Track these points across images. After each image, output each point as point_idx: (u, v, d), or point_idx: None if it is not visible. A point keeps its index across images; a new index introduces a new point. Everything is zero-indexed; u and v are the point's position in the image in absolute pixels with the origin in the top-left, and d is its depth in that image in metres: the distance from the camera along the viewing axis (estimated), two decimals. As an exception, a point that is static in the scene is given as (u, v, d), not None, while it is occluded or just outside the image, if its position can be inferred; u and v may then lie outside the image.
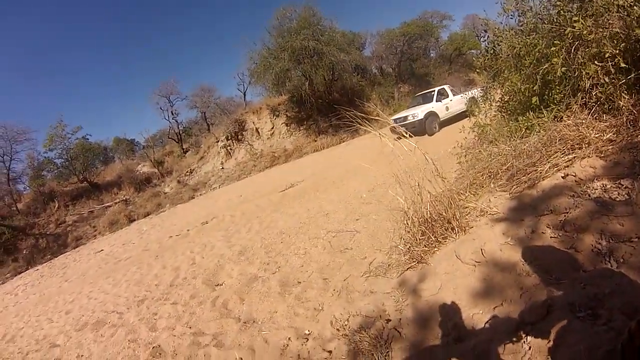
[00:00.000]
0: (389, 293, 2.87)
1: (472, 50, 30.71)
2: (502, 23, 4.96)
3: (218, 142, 27.03)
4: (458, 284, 2.41)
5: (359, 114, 3.50)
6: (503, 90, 5.06)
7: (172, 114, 32.04)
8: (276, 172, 20.00)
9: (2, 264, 19.89)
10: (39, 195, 25.57)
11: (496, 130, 4.72)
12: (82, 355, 4.93)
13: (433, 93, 15.44)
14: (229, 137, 26.56)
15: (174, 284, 6.19)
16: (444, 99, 15.15)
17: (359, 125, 3.51)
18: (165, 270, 7.35)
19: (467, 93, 13.62)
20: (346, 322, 2.84)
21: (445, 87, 15.82)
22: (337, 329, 2.81)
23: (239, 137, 26.57)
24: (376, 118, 3.60)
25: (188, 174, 26.75)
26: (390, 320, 2.53)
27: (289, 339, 3.05)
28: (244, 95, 33.23)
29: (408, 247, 3.20)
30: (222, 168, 25.60)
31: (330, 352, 2.61)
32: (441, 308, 2.31)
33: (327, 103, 25.87)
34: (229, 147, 26.47)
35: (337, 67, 25.24)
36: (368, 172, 8.52)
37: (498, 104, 5.35)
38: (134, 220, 21.56)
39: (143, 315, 5.23)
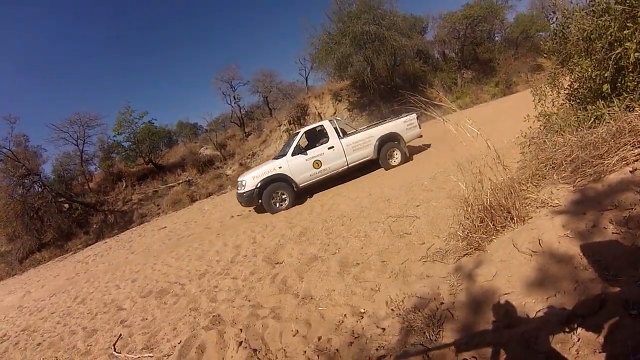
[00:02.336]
0: (444, 277, 3.06)
1: (541, 33, 29.01)
2: (571, 2, 4.77)
3: (280, 126, 27.81)
4: (513, 272, 2.55)
5: (422, 98, 3.65)
6: (572, 77, 4.87)
7: (234, 98, 33.15)
8: None
9: (74, 236, 22.46)
10: (108, 176, 28.80)
11: (562, 119, 4.63)
12: (146, 319, 5.51)
13: (295, 137, 10.64)
14: (292, 122, 27.29)
15: (235, 260, 6.67)
16: (314, 145, 10.65)
17: (421, 111, 3.66)
18: (226, 247, 7.89)
19: (383, 125, 11.09)
20: (401, 303, 3.06)
21: (325, 123, 10.64)
22: (392, 309, 3.04)
23: (302, 121, 27.28)
24: (439, 103, 3.72)
25: (250, 157, 27.76)
26: (443, 302, 2.74)
27: (345, 315, 3.30)
28: (306, 80, 33.80)
29: (466, 233, 3.36)
30: None
31: (383, 329, 2.83)
32: (494, 294, 2.48)
33: (389, 88, 25.90)
34: (291, 131, 27.21)
35: (399, 52, 25.26)
36: (430, 159, 8.56)
37: (566, 91, 5.19)
38: (196, 200, 22.94)
39: (204, 288, 5.74)
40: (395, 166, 10.62)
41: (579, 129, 3.87)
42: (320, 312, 3.56)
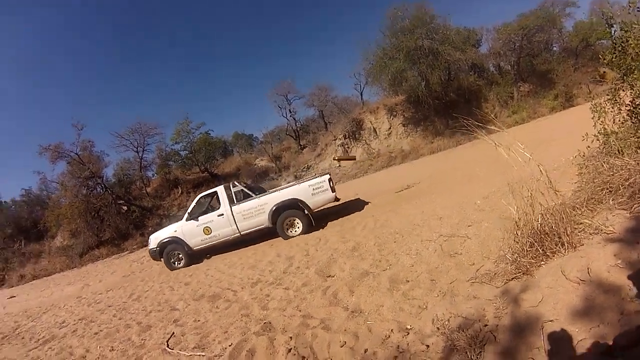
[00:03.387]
0: (490, 300, 3.16)
1: (602, 41, 26.93)
2: (629, 13, 4.66)
3: (335, 140, 28.64)
4: (559, 299, 2.63)
5: (475, 122, 3.77)
6: (633, 93, 4.70)
7: (290, 111, 34.45)
8: (393, 172, 20.61)
9: (131, 236, 24.20)
10: (165, 182, 31.35)
11: (622, 140, 4.52)
12: (198, 320, 5.89)
13: (192, 203, 11.36)
14: (347, 136, 28.12)
15: (287, 271, 6.97)
16: (206, 212, 11.04)
17: (473, 132, 3.79)
18: (279, 258, 8.22)
19: (283, 190, 10.79)
20: (447, 322, 3.17)
21: (219, 189, 10.99)
22: (437, 327, 3.16)
23: (357, 135, 27.99)
24: (491, 127, 3.82)
25: (305, 169, 28.58)
26: (487, 324, 2.85)
27: (392, 330, 3.45)
28: (361, 94, 34.54)
29: (515, 257, 3.45)
30: (339, 166, 27.07)
31: (427, 346, 2.98)
32: (538, 320, 2.57)
33: (444, 104, 25.96)
34: (346, 146, 27.90)
35: (453, 67, 25.49)
36: (483, 179, 8.52)
37: (628, 107, 4.94)
38: None
39: (256, 295, 6.05)
40: (295, 237, 10.21)
41: (639, 151, 3.82)
42: (368, 325, 3.73)
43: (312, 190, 10.32)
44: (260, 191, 11.64)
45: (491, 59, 31.03)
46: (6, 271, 28.28)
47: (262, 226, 10.56)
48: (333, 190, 10.38)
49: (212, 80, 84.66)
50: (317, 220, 10.49)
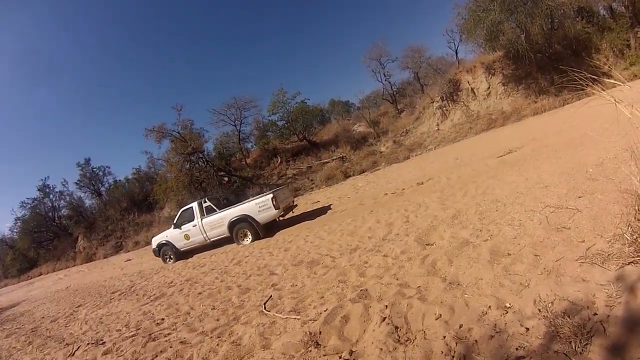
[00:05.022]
0: (602, 285, 2.87)
1: None
2: None
3: (433, 102, 27.66)
4: (686, 291, 2.32)
5: (586, 74, 3.28)
6: None
7: (385, 75, 34.26)
8: (493, 135, 19.46)
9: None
10: (264, 152, 33.33)
11: None
12: (295, 285, 6.16)
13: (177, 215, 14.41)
14: (444, 98, 26.87)
15: (387, 238, 6.97)
16: (185, 223, 13.75)
17: (585, 88, 3.32)
18: (379, 224, 8.25)
19: (236, 207, 12.78)
20: (550, 304, 2.95)
21: (195, 205, 13.75)
22: (539, 309, 2.95)
23: (454, 97, 26.56)
24: (606, 80, 3.32)
25: (403, 134, 28.18)
26: (597, 313, 2.59)
27: (489, 307, 3.30)
28: (456, 53, 33.06)
29: (635, 237, 3.05)
30: (438, 129, 26.33)
31: (527, 329, 2.79)
32: (658, 314, 2.30)
33: (548, 57, 22.93)
34: (444, 108, 26.81)
35: (556, 13, 21.92)
36: (597, 143, 7.60)
37: None
38: (350, 176, 24.21)
39: (354, 262, 6.14)
40: (247, 245, 12.18)
41: None
42: (465, 299, 3.62)
43: (259, 208, 12.18)
44: (227, 205, 14.02)
45: (601, 1, 26.37)
46: (123, 238, 34.45)
47: (224, 235, 12.98)
48: (277, 207, 12.00)
49: (306, 49, 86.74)
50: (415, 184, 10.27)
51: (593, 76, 3.21)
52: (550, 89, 21.87)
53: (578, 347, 2.38)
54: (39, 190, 43.75)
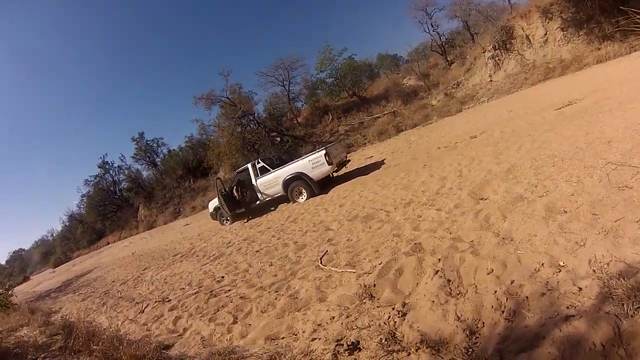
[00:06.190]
0: (663, 248, 2.81)
1: None
2: None
3: (484, 52, 26.04)
4: None
5: None
6: None
7: (432, 26, 32.74)
8: (551, 86, 18.11)
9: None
10: (314, 110, 33.41)
11: None
12: (350, 239, 6.36)
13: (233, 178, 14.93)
14: (496, 47, 25.13)
15: (440, 192, 6.99)
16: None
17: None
18: (432, 178, 8.26)
19: (289, 166, 12.94)
20: (606, 265, 2.92)
21: (249, 166, 14.08)
22: (594, 270, 2.93)
23: (507, 46, 24.73)
24: None
25: (455, 86, 27.16)
26: (654, 278, 2.56)
27: (542, 264, 3.32)
28: None
29: (703, 201, 2.95)
30: (491, 80, 24.91)
31: (580, 289, 2.79)
32: None
33: None
34: (497, 58, 25.12)
35: None
36: None
37: None
38: (402, 130, 23.90)
39: (408, 216, 6.25)
40: (302, 202, 12.30)
41: None
42: (518, 255, 3.64)
43: (312, 165, 12.18)
44: (281, 164, 13.94)
45: None
46: (180, 205, 36.45)
47: (280, 194, 13.18)
48: (330, 163, 11.96)
49: (350, 4, 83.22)
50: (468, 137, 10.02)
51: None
52: (615, 34, 19.45)
53: (630, 309, 2.37)
54: (99, 167, 48.33)
